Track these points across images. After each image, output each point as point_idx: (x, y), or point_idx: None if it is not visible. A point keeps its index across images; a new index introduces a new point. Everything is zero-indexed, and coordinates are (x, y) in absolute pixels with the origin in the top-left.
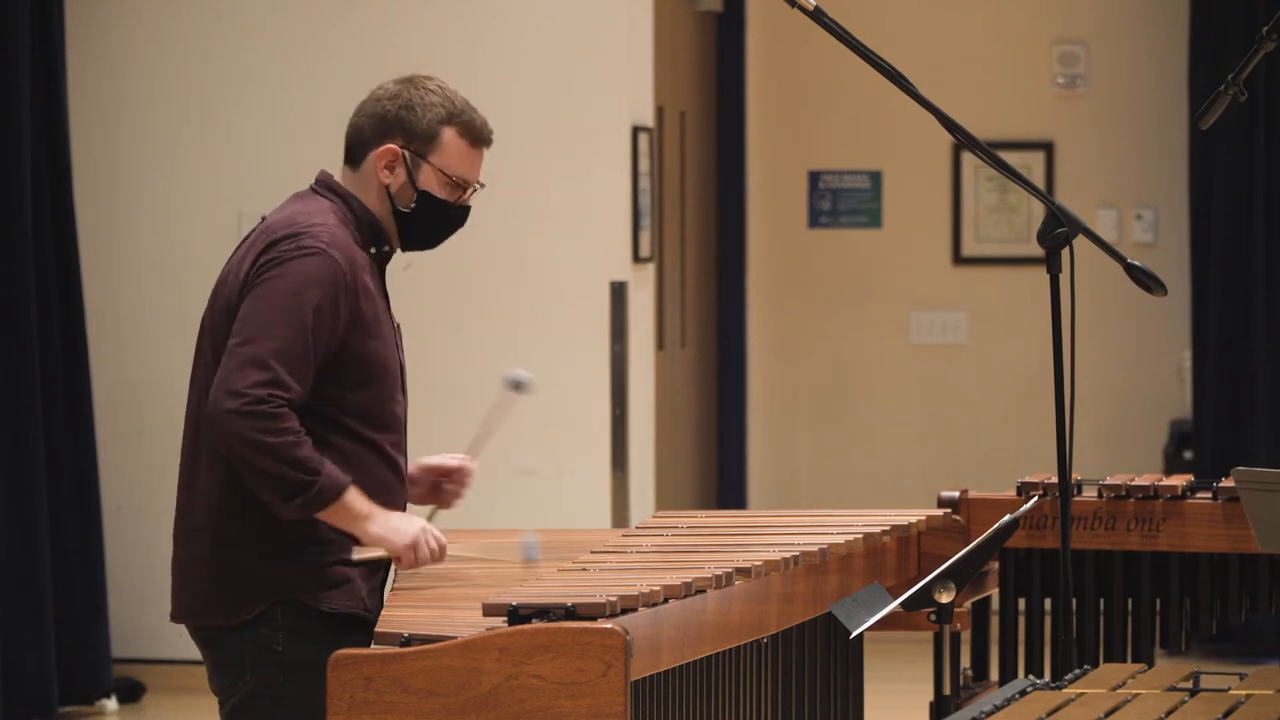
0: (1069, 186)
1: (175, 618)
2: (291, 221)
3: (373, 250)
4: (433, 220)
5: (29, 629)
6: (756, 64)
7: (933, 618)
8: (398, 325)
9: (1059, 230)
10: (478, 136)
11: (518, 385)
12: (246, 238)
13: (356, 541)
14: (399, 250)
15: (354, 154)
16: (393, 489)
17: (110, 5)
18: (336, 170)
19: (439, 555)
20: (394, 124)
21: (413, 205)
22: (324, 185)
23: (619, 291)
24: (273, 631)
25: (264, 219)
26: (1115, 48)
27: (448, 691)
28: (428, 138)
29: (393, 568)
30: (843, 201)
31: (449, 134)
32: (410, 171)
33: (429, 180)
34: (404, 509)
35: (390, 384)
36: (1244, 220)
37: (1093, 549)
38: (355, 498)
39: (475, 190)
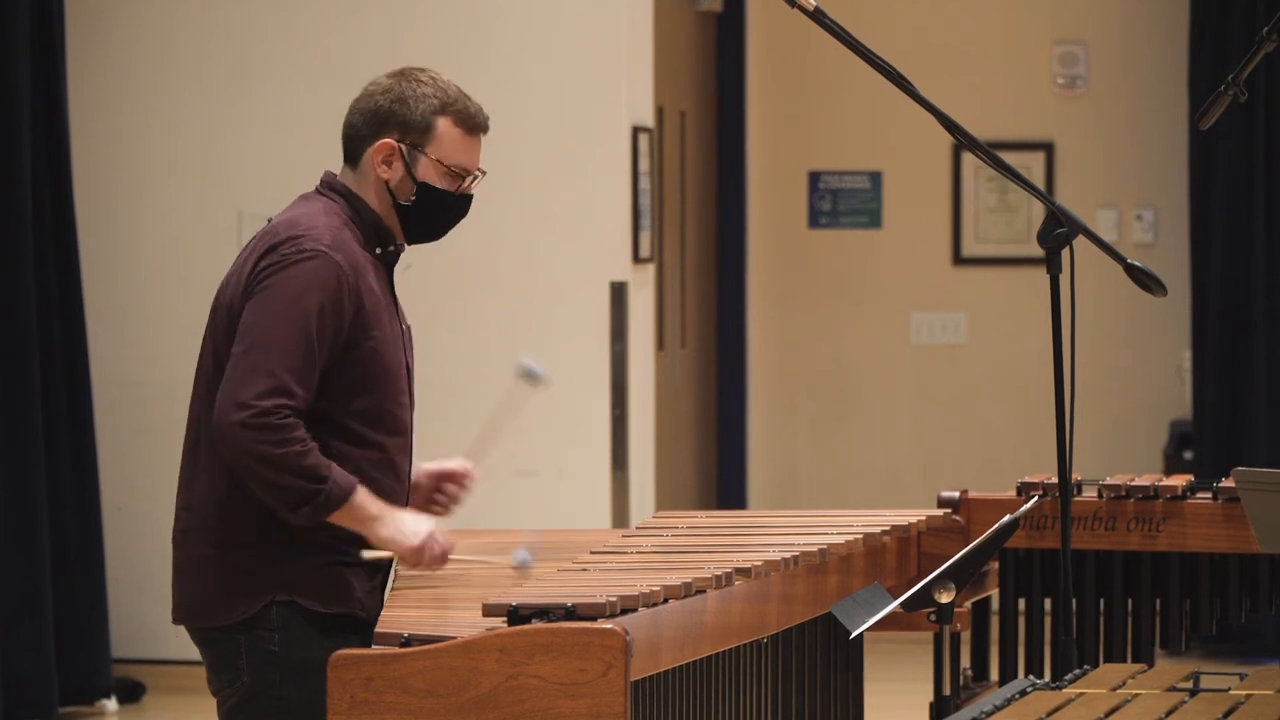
0: (1069, 186)
1: (176, 619)
2: (293, 224)
3: (378, 251)
4: (435, 211)
5: (29, 629)
6: (756, 64)
7: (933, 618)
8: (408, 327)
9: (1059, 230)
10: (473, 124)
11: (531, 376)
12: (251, 240)
13: (365, 544)
14: (405, 248)
15: (351, 152)
16: (394, 494)
17: (110, 5)
18: (334, 166)
19: (444, 559)
20: (388, 118)
21: (413, 198)
22: (328, 186)
23: (619, 291)
24: (269, 632)
25: (270, 221)
26: (1115, 48)
27: (448, 691)
28: (423, 129)
29: (394, 568)
30: (843, 202)
31: (444, 124)
32: (408, 165)
33: (427, 172)
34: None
35: (394, 387)
36: (1244, 220)
37: (1093, 549)
38: (364, 499)
39: (476, 178)
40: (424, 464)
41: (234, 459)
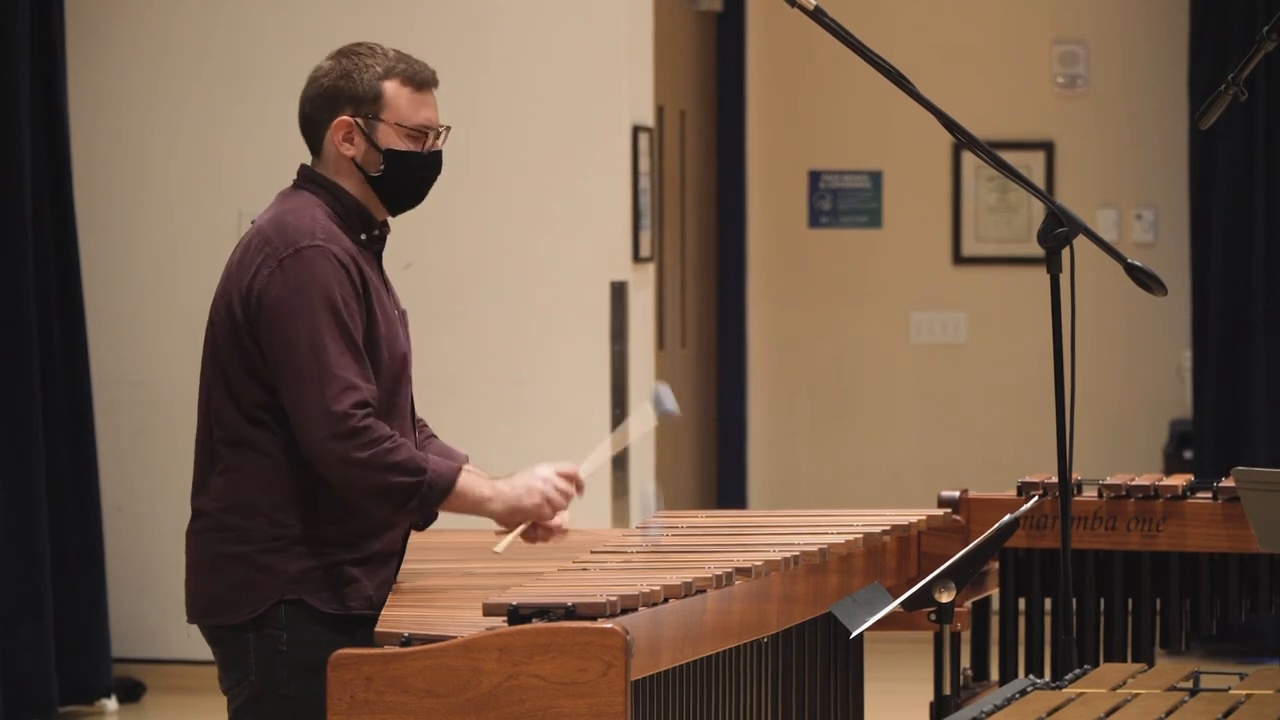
0: (1069, 186)
1: (190, 618)
2: (280, 224)
3: (363, 237)
4: (407, 175)
5: (29, 629)
6: (756, 64)
7: (933, 618)
8: (403, 311)
9: (1059, 230)
10: (420, 80)
11: (659, 404)
12: (240, 243)
13: (377, 539)
14: (389, 228)
15: (313, 142)
16: None
17: (110, 5)
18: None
19: (572, 493)
20: (336, 96)
21: (382, 167)
22: (306, 179)
23: (619, 291)
24: (277, 630)
25: (254, 223)
26: (1115, 48)
27: (448, 691)
28: (373, 98)
29: (400, 565)
30: (843, 201)
31: (391, 86)
32: (368, 136)
33: (389, 137)
34: None
35: (393, 374)
36: (1244, 220)
37: (1093, 549)
38: (469, 483)
39: (442, 134)
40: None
41: (332, 474)
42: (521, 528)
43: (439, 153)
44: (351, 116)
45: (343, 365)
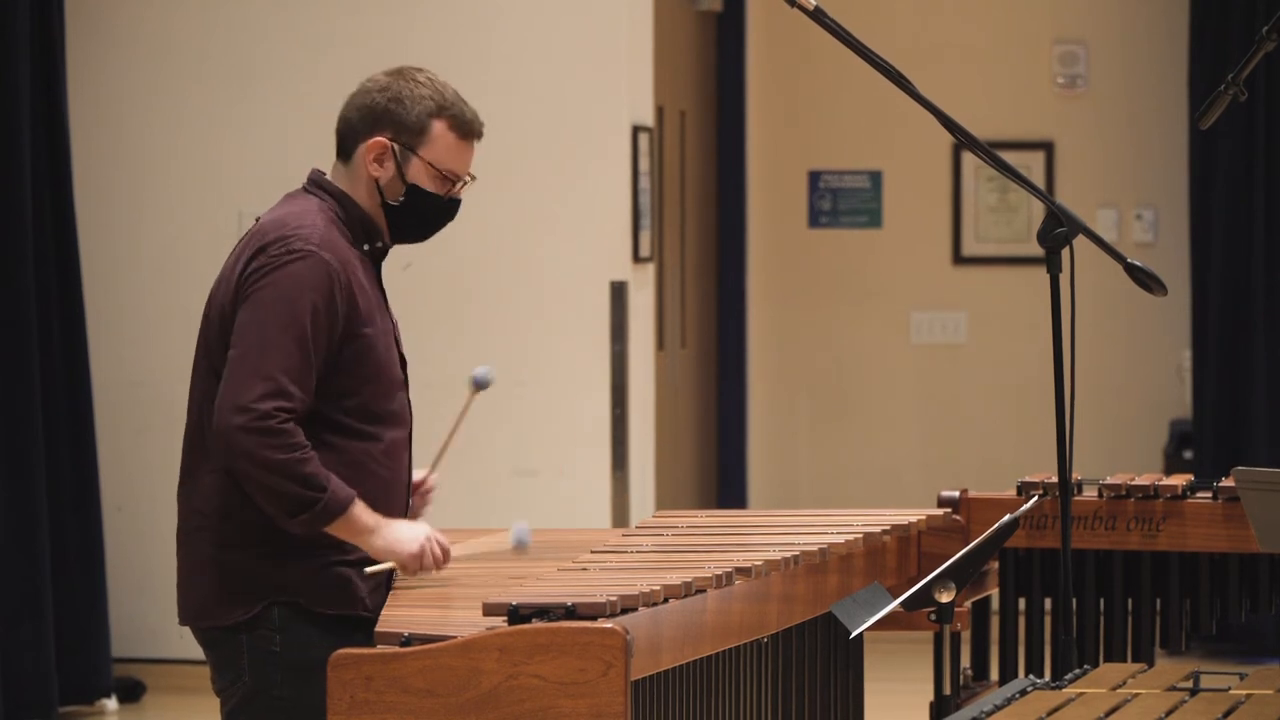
0: (1069, 186)
1: (181, 620)
2: (281, 224)
3: (365, 247)
4: (422, 214)
5: (29, 629)
6: (756, 64)
7: (933, 617)
8: (395, 321)
9: (1059, 230)
10: (467, 130)
11: (476, 383)
12: (240, 241)
13: (370, 561)
14: (391, 245)
15: (344, 147)
16: (393, 487)
17: (110, 5)
18: (328, 164)
19: (443, 561)
20: (383, 116)
21: (401, 199)
22: (315, 184)
23: (619, 291)
24: (270, 632)
25: (257, 220)
26: (1115, 48)
27: (448, 691)
28: (417, 130)
29: (394, 577)
30: (843, 201)
31: (439, 127)
32: (399, 164)
33: (418, 173)
34: (406, 505)
35: (388, 381)
36: (1244, 220)
37: (1093, 549)
38: (360, 512)
39: (465, 183)
40: None
41: (233, 464)
42: (391, 564)
43: (458, 201)
44: (390, 140)
45: (283, 369)
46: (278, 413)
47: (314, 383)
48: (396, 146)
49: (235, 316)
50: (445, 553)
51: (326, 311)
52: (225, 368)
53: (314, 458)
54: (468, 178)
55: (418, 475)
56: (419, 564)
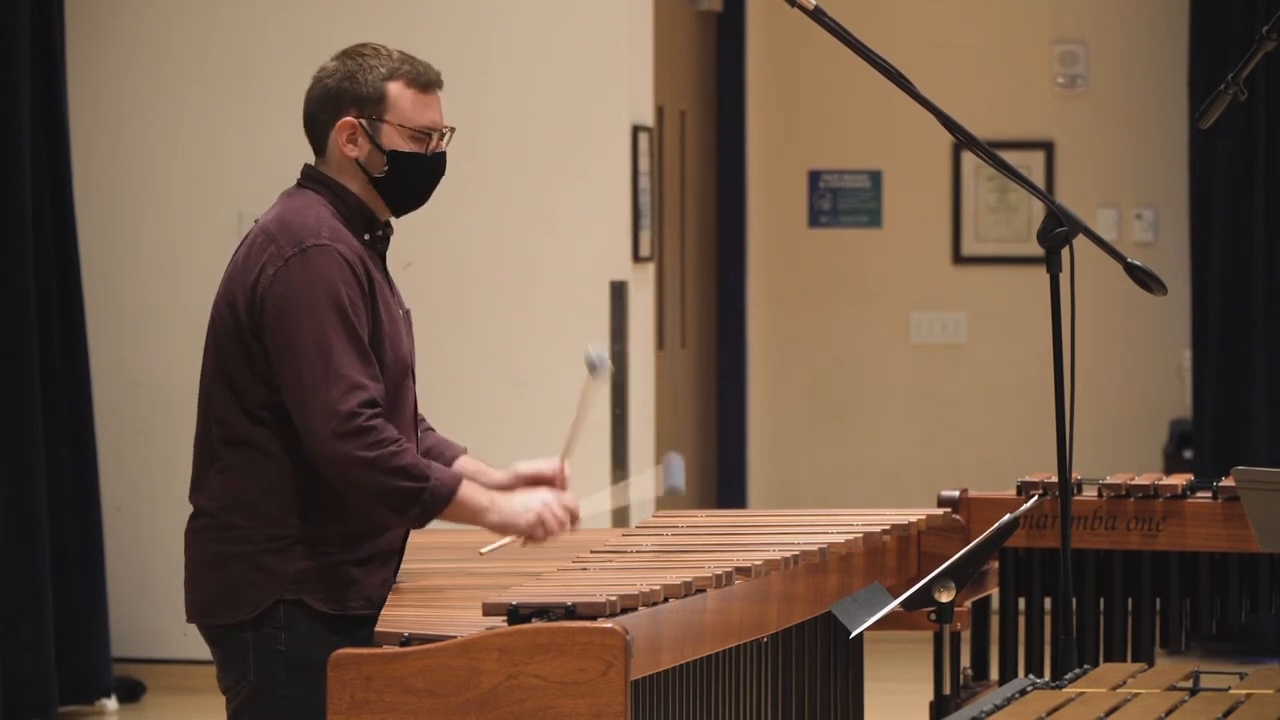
0: (1069, 186)
1: (189, 618)
2: (285, 222)
3: (367, 237)
4: (410, 176)
5: (29, 629)
6: (756, 64)
7: (933, 617)
8: (407, 311)
9: (1059, 230)
10: (424, 81)
11: (594, 367)
12: (243, 241)
13: (376, 540)
14: (393, 229)
15: (317, 142)
16: None
17: (110, 5)
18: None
19: (568, 522)
20: (341, 97)
21: (386, 168)
22: (310, 178)
23: (619, 291)
24: (276, 630)
25: (257, 222)
26: (1115, 48)
27: (448, 691)
28: (377, 99)
29: (399, 566)
30: (843, 201)
31: (395, 88)
32: (372, 137)
33: (393, 139)
34: None
35: (397, 374)
36: (1244, 220)
37: (1093, 549)
38: (470, 492)
39: (445, 136)
40: (515, 465)
41: (336, 474)
42: (511, 538)
43: (443, 154)
44: (356, 117)
45: (348, 364)
46: (362, 409)
47: (378, 369)
48: (363, 121)
49: (254, 322)
50: (571, 512)
51: (359, 296)
52: (292, 393)
53: (409, 449)
54: (445, 129)
55: (547, 466)
56: (542, 530)
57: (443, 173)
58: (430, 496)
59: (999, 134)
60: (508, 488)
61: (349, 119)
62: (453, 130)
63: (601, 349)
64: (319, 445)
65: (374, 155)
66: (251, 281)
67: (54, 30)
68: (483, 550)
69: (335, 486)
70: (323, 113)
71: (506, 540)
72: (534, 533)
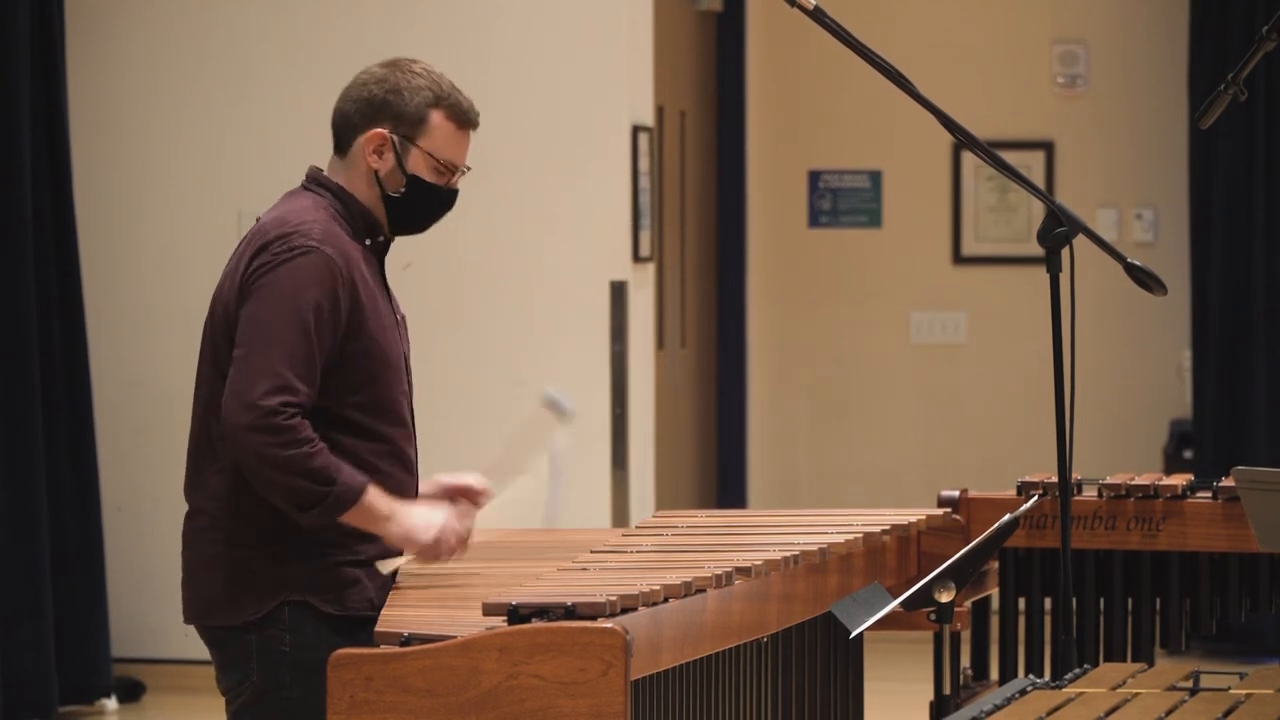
0: (1069, 186)
1: (186, 619)
2: (282, 221)
3: (368, 242)
4: (422, 205)
5: (29, 629)
6: (756, 64)
7: (933, 617)
8: (402, 317)
9: (1059, 230)
10: (465, 119)
11: (556, 408)
12: (243, 240)
13: (383, 553)
14: (393, 238)
15: (341, 140)
16: (403, 483)
17: (110, 5)
18: (326, 162)
19: (462, 547)
20: (381, 108)
21: (402, 190)
22: (314, 181)
23: (619, 291)
24: (279, 631)
25: (258, 220)
26: (1115, 48)
27: (448, 691)
28: (416, 121)
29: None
30: (843, 201)
31: (437, 117)
32: (399, 156)
33: (417, 164)
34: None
35: (393, 377)
36: (1244, 220)
37: (1093, 549)
38: (374, 499)
39: (462, 174)
40: (437, 475)
41: (242, 461)
42: (409, 556)
43: (456, 191)
44: (389, 132)
45: (289, 365)
46: (284, 408)
47: (319, 378)
48: (396, 138)
49: (240, 315)
50: (462, 541)
51: (330, 307)
52: (231, 367)
53: (323, 450)
54: (464, 169)
55: (472, 480)
56: (436, 552)
57: (450, 208)
58: (334, 500)
59: (999, 134)
60: (426, 497)
61: (382, 130)
62: (469, 169)
63: (562, 392)
64: (230, 427)
65: (395, 174)
66: (241, 277)
67: (54, 30)
68: (379, 566)
69: (225, 466)
70: (358, 115)
71: (405, 559)
72: (432, 551)
